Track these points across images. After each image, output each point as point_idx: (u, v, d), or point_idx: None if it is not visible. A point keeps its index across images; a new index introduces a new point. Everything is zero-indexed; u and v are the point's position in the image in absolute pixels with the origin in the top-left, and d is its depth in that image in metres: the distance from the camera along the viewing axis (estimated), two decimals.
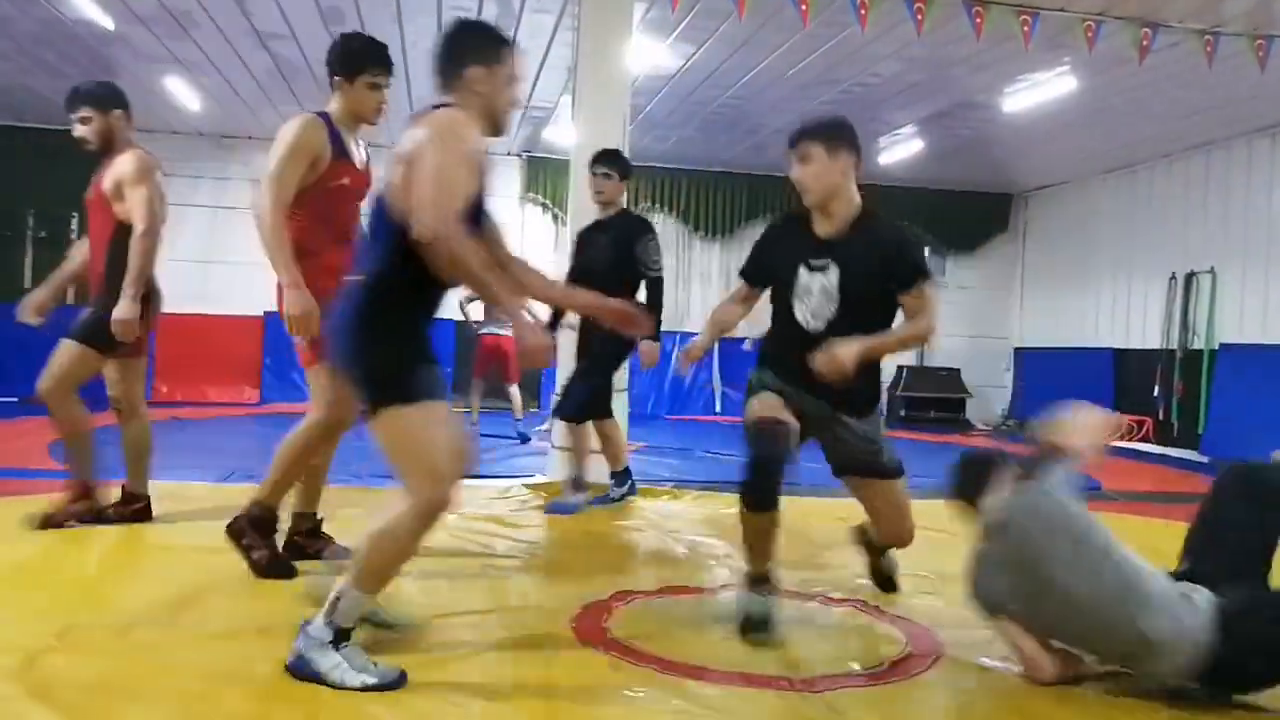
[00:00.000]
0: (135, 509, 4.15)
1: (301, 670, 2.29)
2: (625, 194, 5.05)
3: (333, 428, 3.36)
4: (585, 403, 4.91)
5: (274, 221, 3.14)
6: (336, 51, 3.34)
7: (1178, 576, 2.50)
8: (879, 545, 3.36)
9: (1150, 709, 2.40)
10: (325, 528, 3.72)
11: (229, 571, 3.34)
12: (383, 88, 3.34)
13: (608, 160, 4.90)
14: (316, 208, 3.27)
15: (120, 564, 3.39)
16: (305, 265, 3.20)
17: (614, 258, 4.72)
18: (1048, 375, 12.11)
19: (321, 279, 3.22)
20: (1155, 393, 10.38)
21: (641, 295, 4.80)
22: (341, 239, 3.39)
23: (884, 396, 3.19)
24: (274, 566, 3.26)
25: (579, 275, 4.79)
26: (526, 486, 5.45)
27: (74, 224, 11.27)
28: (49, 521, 3.87)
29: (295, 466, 3.38)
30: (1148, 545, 4.49)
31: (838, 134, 2.95)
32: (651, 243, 4.78)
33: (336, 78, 3.31)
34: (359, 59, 3.30)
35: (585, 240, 5.01)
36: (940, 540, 4.43)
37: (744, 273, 3.24)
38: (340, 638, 2.29)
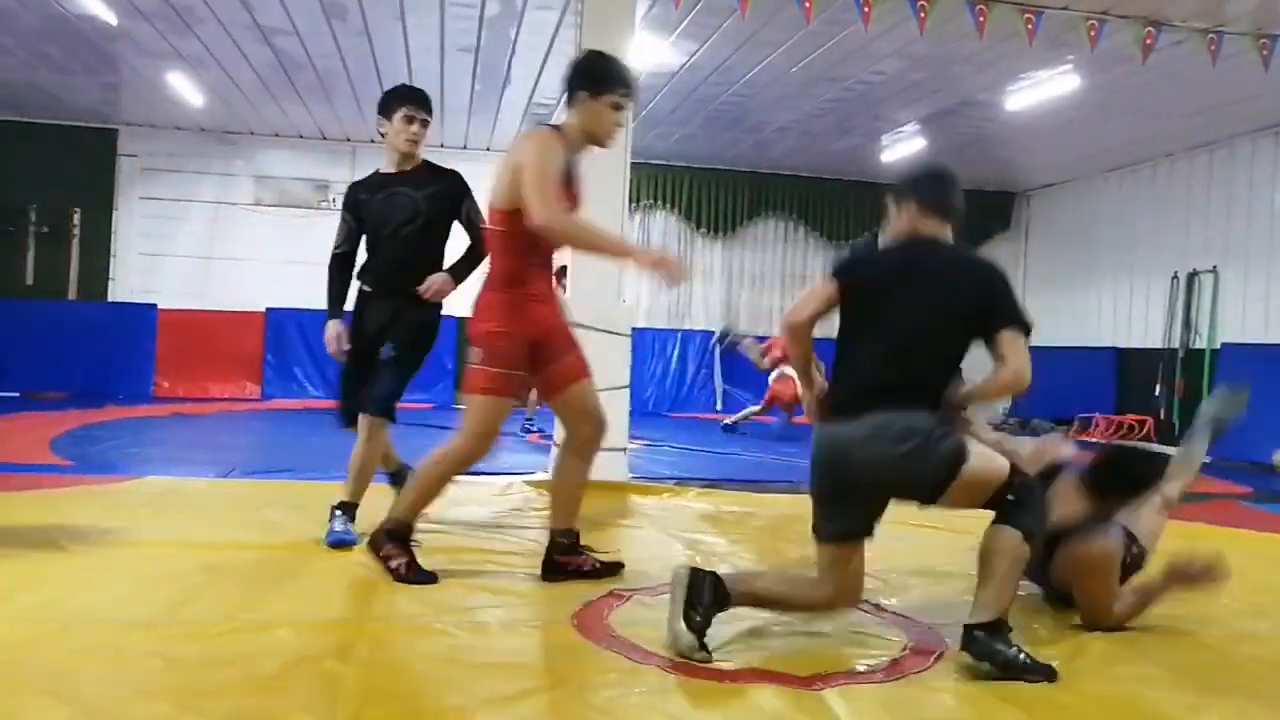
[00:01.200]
0: None
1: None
2: None
3: (477, 458, 3.31)
4: (397, 396, 3.89)
5: (570, 220, 3.11)
6: (584, 67, 3.28)
7: None
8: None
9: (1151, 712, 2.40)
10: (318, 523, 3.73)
11: (229, 567, 3.35)
12: (624, 109, 3.26)
13: (427, 104, 3.93)
14: (533, 232, 3.12)
15: (120, 560, 3.39)
16: (511, 295, 3.20)
17: (432, 215, 3.84)
18: (1049, 374, 11.99)
19: (527, 310, 3.22)
20: (1157, 392, 10.38)
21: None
22: (547, 266, 3.33)
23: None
24: (414, 574, 3.24)
25: (376, 237, 3.86)
26: (527, 483, 5.45)
27: (77, 219, 11.30)
28: None
29: (436, 486, 3.35)
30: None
31: (909, 184, 2.95)
32: (475, 201, 3.96)
33: (581, 93, 3.22)
34: (610, 77, 3.24)
35: (376, 197, 3.87)
36: (940, 537, 4.44)
37: None
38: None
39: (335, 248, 3.93)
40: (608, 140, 3.28)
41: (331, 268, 3.93)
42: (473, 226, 3.90)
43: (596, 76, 3.23)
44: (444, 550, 3.76)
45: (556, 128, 3.24)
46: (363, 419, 3.80)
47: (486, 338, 3.23)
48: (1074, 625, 3.09)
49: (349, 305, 3.93)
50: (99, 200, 11.33)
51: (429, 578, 3.25)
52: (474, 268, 3.89)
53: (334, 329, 3.86)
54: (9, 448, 6.28)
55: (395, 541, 3.28)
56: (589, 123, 3.23)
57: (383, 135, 3.88)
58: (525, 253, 3.21)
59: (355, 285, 3.94)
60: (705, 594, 2.59)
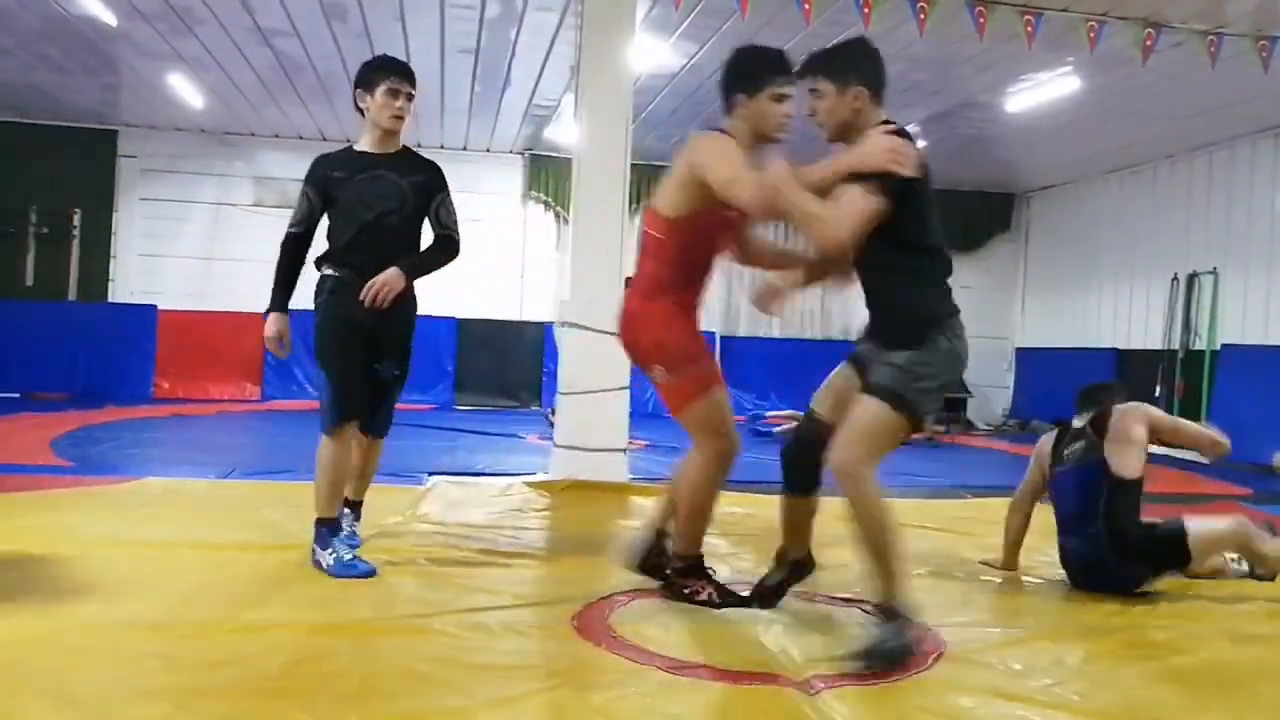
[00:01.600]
0: None
1: None
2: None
3: (730, 456, 3.14)
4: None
5: (777, 184, 2.70)
6: (734, 67, 3.09)
7: None
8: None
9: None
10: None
11: (229, 568, 3.35)
12: (788, 98, 3.03)
13: (412, 76, 3.65)
14: (694, 236, 3.04)
15: (120, 561, 3.39)
16: (660, 304, 3.06)
17: (417, 205, 3.55)
18: (1049, 375, 12.11)
19: (670, 320, 3.07)
20: (1157, 393, 10.37)
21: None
22: (699, 276, 3.15)
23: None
24: (726, 597, 3.15)
25: (354, 221, 3.46)
26: (527, 484, 5.45)
27: (77, 220, 11.30)
28: None
29: (707, 502, 3.19)
30: None
31: (845, 63, 2.80)
32: (450, 199, 3.64)
33: (738, 95, 3.04)
34: (762, 69, 3.04)
35: (356, 177, 3.50)
36: (939, 539, 4.44)
37: None
38: None
39: (291, 226, 3.52)
40: (779, 134, 3.06)
41: (285, 249, 3.52)
42: (442, 226, 3.59)
43: (748, 74, 3.05)
44: (444, 550, 3.76)
45: (724, 131, 3.04)
46: (366, 437, 3.63)
47: (657, 347, 3.09)
48: (1074, 624, 3.09)
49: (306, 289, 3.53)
50: (99, 201, 11.33)
51: (739, 600, 3.15)
52: (437, 267, 3.57)
53: (278, 325, 3.51)
54: (9, 448, 6.28)
55: (693, 576, 3.18)
56: (755, 123, 3.03)
57: (361, 111, 3.57)
58: (680, 263, 3.09)
59: (318, 270, 3.55)
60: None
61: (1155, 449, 3.54)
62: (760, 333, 12.54)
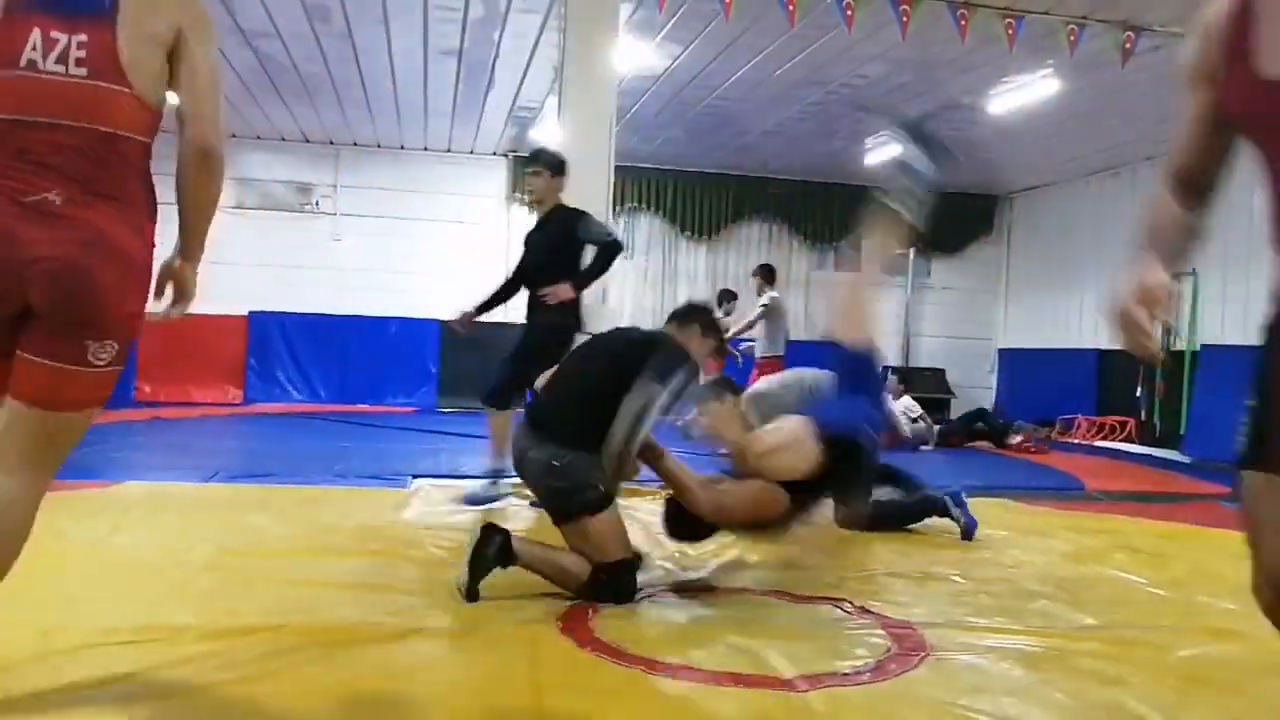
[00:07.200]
0: None
1: None
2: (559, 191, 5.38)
3: None
4: (497, 387, 5.11)
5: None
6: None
7: None
8: None
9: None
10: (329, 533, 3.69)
11: (210, 573, 3.32)
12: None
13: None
14: None
15: (98, 566, 3.36)
16: (149, 251, 2.24)
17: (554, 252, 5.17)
18: (1031, 376, 12.19)
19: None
20: (1138, 393, 10.46)
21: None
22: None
23: None
24: None
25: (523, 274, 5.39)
26: (512, 486, 5.43)
27: None
28: None
29: None
30: (1128, 544, 4.53)
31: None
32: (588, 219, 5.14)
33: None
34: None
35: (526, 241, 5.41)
36: (923, 540, 4.46)
37: None
38: None
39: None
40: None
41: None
42: (600, 239, 5.24)
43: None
44: (426, 551, 3.75)
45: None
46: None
47: (135, 317, 2.24)
48: (1065, 623, 3.11)
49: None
50: None
51: None
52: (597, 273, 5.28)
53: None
54: None
55: None
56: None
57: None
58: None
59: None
60: (490, 547, 3.04)
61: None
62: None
